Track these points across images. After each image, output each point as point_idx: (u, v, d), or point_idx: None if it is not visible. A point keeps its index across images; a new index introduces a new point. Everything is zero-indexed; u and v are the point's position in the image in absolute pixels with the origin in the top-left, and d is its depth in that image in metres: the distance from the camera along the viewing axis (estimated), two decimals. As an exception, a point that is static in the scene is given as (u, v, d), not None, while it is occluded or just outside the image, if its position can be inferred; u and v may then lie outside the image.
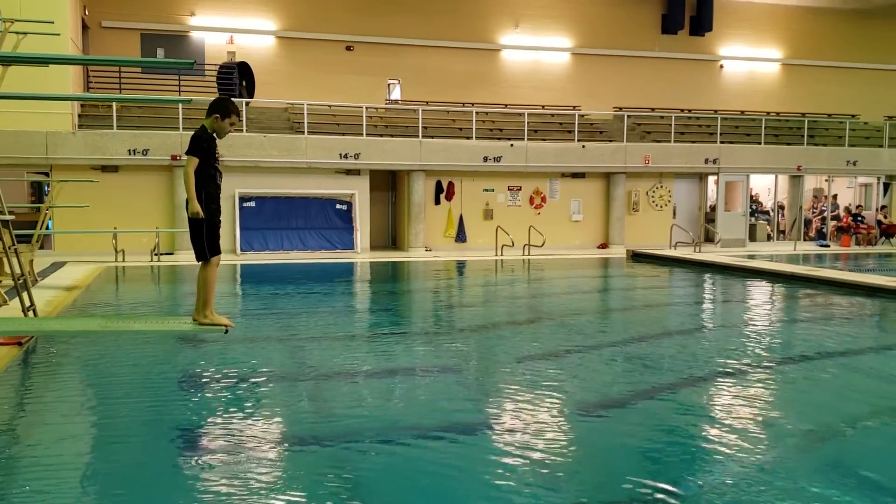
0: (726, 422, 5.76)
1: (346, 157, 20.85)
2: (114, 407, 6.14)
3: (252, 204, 20.46)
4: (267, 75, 23.76)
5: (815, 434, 5.53)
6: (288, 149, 20.50)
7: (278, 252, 20.28)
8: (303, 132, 20.87)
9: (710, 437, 5.40)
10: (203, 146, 5.77)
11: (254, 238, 20.34)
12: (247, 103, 21.27)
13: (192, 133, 5.85)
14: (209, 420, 5.78)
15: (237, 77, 22.42)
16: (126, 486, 4.46)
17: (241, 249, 19.96)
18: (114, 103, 19.99)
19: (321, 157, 20.72)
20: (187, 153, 5.76)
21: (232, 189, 20.16)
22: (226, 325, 5.98)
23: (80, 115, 20.26)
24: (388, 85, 25.41)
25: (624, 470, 4.79)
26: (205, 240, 5.91)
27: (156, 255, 18.42)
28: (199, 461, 4.83)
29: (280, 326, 10.12)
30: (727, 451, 5.05)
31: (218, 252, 5.97)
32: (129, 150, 19.51)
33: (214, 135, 5.97)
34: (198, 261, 6.04)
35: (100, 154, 19.33)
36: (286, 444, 5.17)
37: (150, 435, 5.41)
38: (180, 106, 20.15)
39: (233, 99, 6.07)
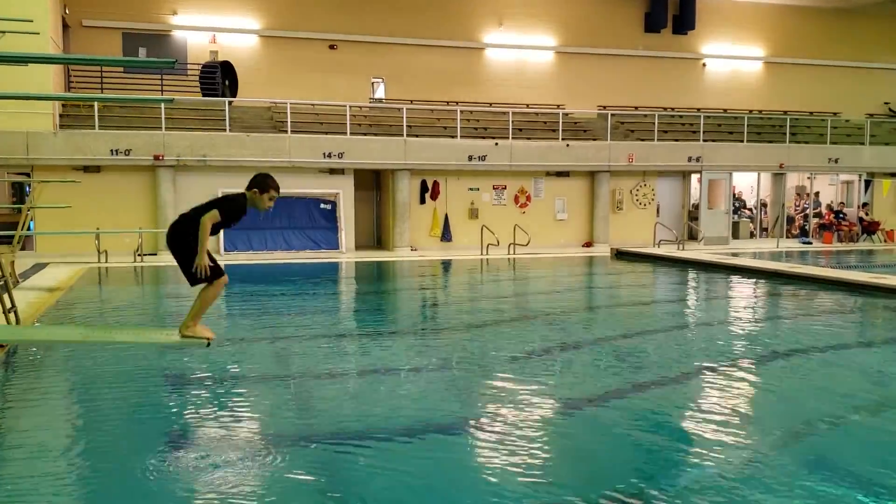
0: (711, 418, 5.78)
1: (330, 156, 20.78)
2: (97, 408, 6.09)
3: (236, 204, 20.31)
4: (250, 74, 23.65)
5: (799, 429, 5.56)
6: (271, 148, 20.41)
7: (263, 252, 20.19)
8: (286, 131, 20.78)
9: (696, 434, 5.43)
10: (233, 212, 5.56)
11: (238, 238, 20.23)
12: (229, 103, 21.16)
13: (233, 195, 5.64)
14: (193, 421, 5.74)
15: (220, 76, 22.31)
16: (109, 487, 4.42)
17: (226, 250, 19.84)
18: (95, 103, 19.82)
19: (305, 156, 20.64)
20: (214, 206, 5.45)
21: (215, 189, 19.98)
22: (208, 339, 5.69)
23: (61, 116, 20.07)
24: (372, 84, 25.36)
25: (610, 466, 4.80)
26: (192, 269, 5.44)
27: (139, 255, 18.28)
28: (184, 462, 4.79)
29: (265, 327, 10.07)
30: (712, 446, 5.08)
31: (222, 274, 5.63)
32: (112, 151, 19.35)
33: (250, 207, 5.71)
34: (194, 285, 5.58)
35: (81, 154, 19.16)
36: (272, 444, 5.13)
37: (134, 436, 5.37)
38: (163, 106, 20.00)
39: (267, 178, 5.78)
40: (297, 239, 20.82)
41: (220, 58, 23.33)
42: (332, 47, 24.96)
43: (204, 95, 22.24)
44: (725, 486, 4.43)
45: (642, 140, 24.24)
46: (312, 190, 20.94)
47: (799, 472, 4.70)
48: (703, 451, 5.01)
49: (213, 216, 5.34)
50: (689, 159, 24.02)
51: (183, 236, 5.42)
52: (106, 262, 17.61)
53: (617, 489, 4.37)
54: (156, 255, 19.40)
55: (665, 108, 26.68)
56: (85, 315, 10.82)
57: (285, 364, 7.78)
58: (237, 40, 24.32)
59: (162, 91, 22.47)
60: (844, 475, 4.62)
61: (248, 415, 5.87)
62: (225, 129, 20.38)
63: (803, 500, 4.22)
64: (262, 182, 5.60)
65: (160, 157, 19.52)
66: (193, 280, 5.44)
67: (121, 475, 4.61)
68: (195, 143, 19.86)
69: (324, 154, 20.74)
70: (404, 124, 21.83)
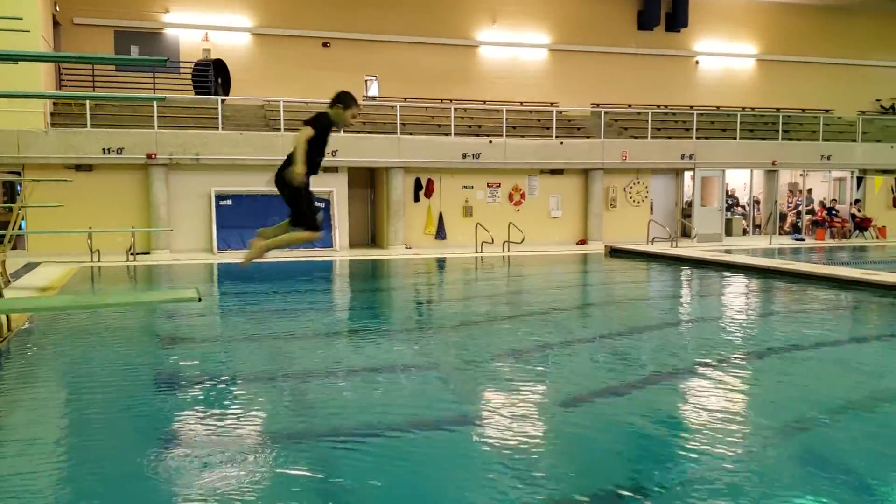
0: (704, 414, 5.81)
1: (323, 154, 20.71)
2: (89, 407, 6.06)
3: (229, 202, 20.29)
4: (243, 72, 23.59)
5: (793, 425, 5.58)
6: (265, 146, 20.35)
7: (256, 251, 20.09)
8: (279, 129, 20.73)
9: (690, 429, 5.45)
10: (323, 123, 5.71)
11: (231, 237, 20.17)
12: (222, 101, 21.11)
13: (317, 113, 5.82)
14: (186, 420, 5.72)
15: (213, 74, 22.24)
16: (102, 487, 4.40)
17: (219, 248, 19.79)
18: (87, 101, 19.74)
19: (298, 154, 20.57)
20: (306, 123, 5.64)
21: (208, 187, 20.01)
22: (244, 261, 6.06)
23: (52, 114, 19.97)
24: (366, 81, 25.31)
25: (605, 462, 4.81)
26: (305, 207, 5.84)
27: (132, 255, 18.22)
28: (178, 461, 4.77)
29: (260, 325, 10.04)
30: (707, 442, 5.09)
31: (319, 230, 5.92)
32: (104, 149, 19.27)
33: (335, 122, 5.88)
34: (295, 225, 5.91)
35: (73, 153, 19.08)
36: (267, 443, 5.12)
37: (126, 436, 5.35)
38: (155, 104, 19.93)
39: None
40: (290, 237, 20.73)
41: (213, 56, 23.27)
42: (325, 45, 24.92)
43: (196, 93, 22.18)
44: (719, 481, 4.45)
45: (636, 138, 24.26)
46: (306, 188, 20.85)
47: (792, 467, 4.73)
48: (698, 447, 5.01)
49: (306, 132, 5.50)
50: (682, 157, 24.06)
51: (287, 170, 5.65)
52: (98, 261, 17.54)
53: (611, 485, 4.38)
54: (149, 253, 19.34)
55: (658, 106, 26.71)
56: (76, 314, 10.77)
57: (280, 362, 7.75)
58: (230, 38, 24.26)
59: (154, 89, 22.41)
60: (838, 469, 4.65)
61: (242, 413, 5.84)
62: (218, 128, 20.32)
63: (797, 494, 4.23)
64: (346, 98, 5.79)
65: (153, 156, 19.45)
66: (296, 219, 5.80)
67: (112, 474, 4.59)
68: (188, 142, 19.80)
69: (317, 152, 20.67)
70: (398, 122, 21.80)
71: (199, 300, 6.04)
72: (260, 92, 23.10)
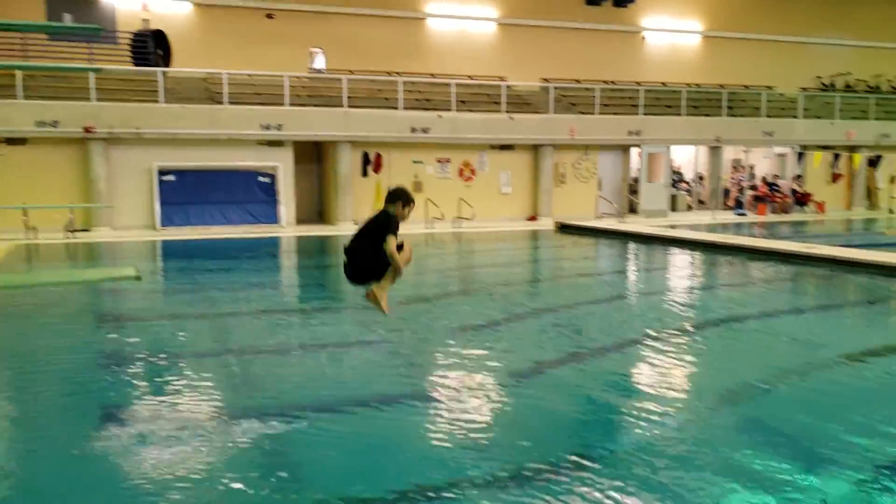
0: (651, 383, 5.92)
1: (268, 128, 20.36)
2: (29, 385, 5.87)
3: (172, 178, 19.79)
4: (184, 44, 22.92)
5: (734, 393, 5.68)
6: (208, 120, 19.88)
7: (200, 227, 19.72)
8: (223, 103, 20.26)
9: (636, 398, 5.54)
10: (396, 224, 6.01)
11: (174, 213, 19.71)
12: (163, 73, 20.52)
13: (379, 217, 6.08)
14: (135, 399, 5.59)
15: (152, 46, 21.58)
16: (43, 464, 4.26)
17: (162, 225, 19.33)
18: (17, 71, 18.97)
19: (242, 128, 20.18)
20: (387, 233, 5.90)
21: (150, 162, 19.48)
22: (384, 310, 6.21)
23: (-18, 85, 19.17)
24: (311, 54, 24.81)
25: (554, 433, 4.84)
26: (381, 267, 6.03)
27: (71, 232, 17.68)
28: (122, 438, 4.66)
29: (205, 303, 9.84)
30: (652, 410, 5.19)
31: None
32: (38, 122, 18.58)
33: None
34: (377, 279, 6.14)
35: (4, 125, 18.35)
36: (215, 419, 5.02)
37: (68, 413, 5.22)
38: (92, 75, 19.26)
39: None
40: (235, 213, 20.39)
41: (153, 27, 22.55)
42: (269, 16, 24.38)
43: (136, 65, 21.50)
44: (667, 447, 4.53)
45: (584, 114, 24.35)
46: (251, 163, 20.51)
47: (735, 432, 4.84)
48: (646, 415, 5.10)
49: (392, 242, 5.87)
50: (630, 133, 24.25)
51: (367, 272, 6.09)
52: (35, 238, 16.98)
53: (563, 453, 4.42)
54: (89, 231, 18.79)
55: (606, 82, 26.84)
56: (11, 293, 10.41)
57: (227, 340, 7.62)
58: (170, 8, 23.56)
59: (91, 60, 21.64)
60: (776, 435, 4.76)
61: (189, 390, 5.72)
62: (159, 101, 19.76)
63: (739, 458, 4.31)
64: (403, 194, 6.12)
65: (91, 130, 18.84)
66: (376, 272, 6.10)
67: (53, 452, 4.46)
68: (128, 115, 19.22)
69: (262, 126, 20.31)
70: (345, 95, 21.49)
71: (139, 278, 5.88)
72: (202, 64, 22.49)
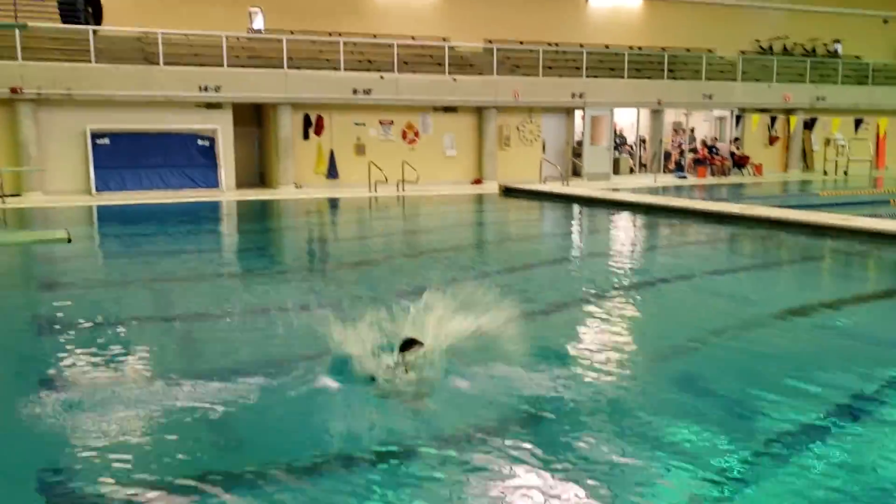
0: (592, 342, 6.00)
1: (206, 89, 19.83)
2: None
3: (106, 141, 19.18)
4: (116, 2, 22.08)
5: (672, 350, 5.79)
6: (142, 81, 19.26)
7: (138, 192, 19.20)
8: (158, 63, 19.63)
9: (578, 357, 5.61)
10: None
11: (110, 177, 19.14)
12: (94, 32, 19.76)
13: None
14: (69, 363, 5.44)
15: (82, 2, 20.73)
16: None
17: (97, 190, 18.76)
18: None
19: (179, 89, 19.61)
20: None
21: (83, 125, 18.82)
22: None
23: None
24: (250, 13, 24.14)
25: (497, 394, 4.85)
26: None
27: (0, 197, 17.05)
28: (60, 407, 4.53)
29: (143, 268, 9.60)
30: (594, 368, 5.27)
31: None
32: (-40, 82, 17.77)
33: None
34: None
35: (-76, 86, 17.52)
36: (153, 384, 4.92)
37: (6, 385, 5.03)
38: (17, 32, 18.41)
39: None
40: (174, 177, 19.90)
41: (83, -18, 21.65)
42: (206, -26, 23.61)
43: (64, 23, 20.65)
44: (607, 403, 4.64)
45: (527, 76, 24.30)
46: (188, 126, 19.98)
47: (672, 388, 4.96)
48: (587, 373, 5.17)
49: None
50: (573, 95, 24.32)
51: None
52: (-39, 203, 16.33)
53: (508, 412, 4.48)
54: (19, 195, 18.12)
55: (549, 44, 26.76)
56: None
57: (165, 305, 7.46)
58: (101, -36, 22.61)
59: (16, 17, 20.68)
60: (711, 390, 4.90)
61: (126, 356, 5.60)
62: (90, 61, 19.04)
63: (676, 413, 4.42)
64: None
65: (18, 90, 18.08)
66: None
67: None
68: (58, 76, 18.49)
69: (199, 87, 19.77)
70: (285, 56, 21.02)
71: (69, 241, 5.68)
72: (135, 23, 21.72)
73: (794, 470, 3.74)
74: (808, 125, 28.35)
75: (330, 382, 5.03)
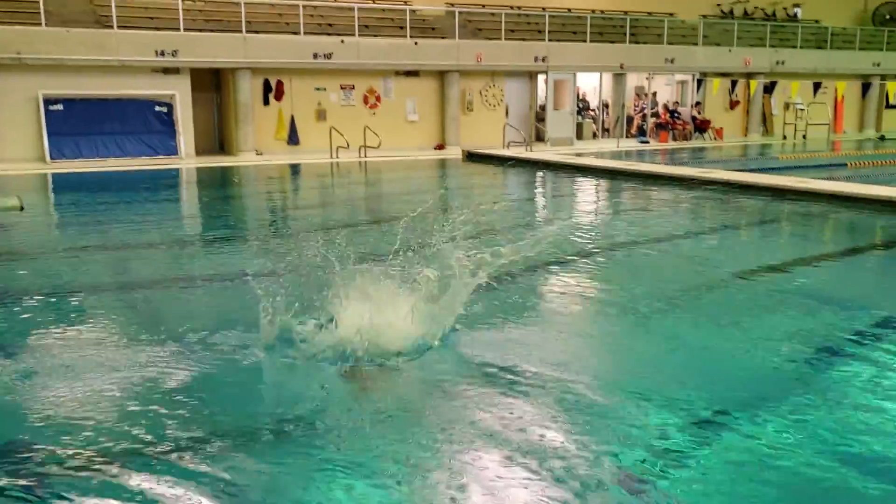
0: (559, 305, 6.01)
1: (162, 54, 19.37)
2: None
3: (60, 107, 18.68)
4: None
5: (636, 309, 5.85)
6: (96, 45, 18.73)
7: (94, 159, 18.78)
8: (112, 27, 19.10)
9: (544, 320, 5.66)
10: None
11: (65, 145, 18.69)
12: (44, -7, 19.14)
13: None
14: (24, 336, 5.31)
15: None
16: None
17: (52, 158, 18.31)
18: None
19: (135, 54, 19.13)
20: None
21: (35, 90, 18.29)
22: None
23: None
24: (207, -24, 23.60)
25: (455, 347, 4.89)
26: None
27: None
28: (16, 376, 4.46)
29: (101, 236, 9.42)
30: (561, 330, 5.32)
31: None
32: None
33: None
34: None
35: None
36: (110, 353, 4.84)
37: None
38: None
39: None
40: (131, 145, 19.49)
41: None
42: (159, -66, 22.94)
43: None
44: (573, 362, 4.73)
45: (490, 39, 24.13)
46: (145, 91, 19.53)
47: (637, 348, 5.07)
48: (555, 334, 5.25)
49: None
50: (536, 59, 24.21)
51: None
52: None
53: (475, 364, 4.56)
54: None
55: (512, 7, 26.55)
56: None
57: (123, 273, 7.34)
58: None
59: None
60: (679, 346, 5.02)
61: (84, 324, 5.51)
62: (41, 24, 18.46)
63: (639, 372, 4.50)
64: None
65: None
66: None
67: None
68: (7, 40, 17.89)
69: (156, 52, 19.30)
70: (243, 20, 20.57)
71: (22, 208, 5.53)
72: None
73: (746, 423, 3.81)
74: (768, 89, 28.63)
75: (279, 351, 5.00)
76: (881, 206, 10.67)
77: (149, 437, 3.70)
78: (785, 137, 27.76)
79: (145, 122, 19.65)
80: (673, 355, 4.93)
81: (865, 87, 30.46)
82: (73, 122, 18.80)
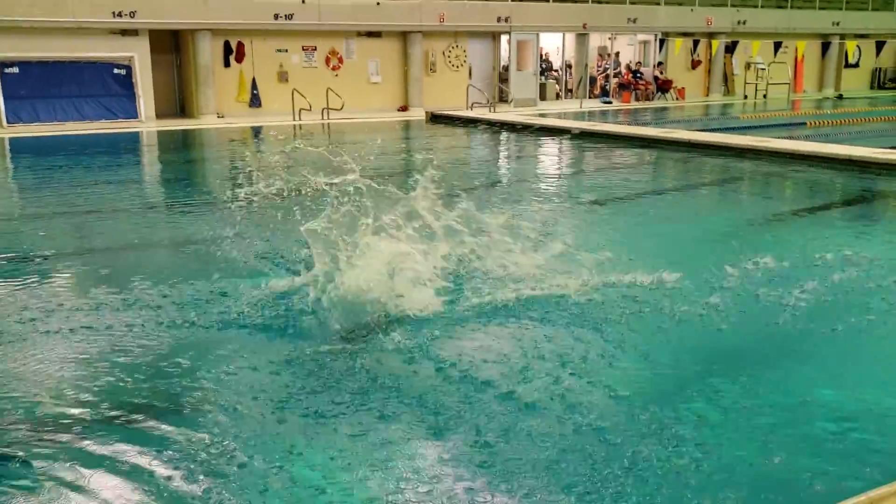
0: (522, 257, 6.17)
1: (119, 15, 18.94)
2: None
3: (15, 70, 18.24)
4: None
5: (607, 263, 6.00)
6: (52, 6, 18.24)
7: (52, 123, 18.43)
8: (67, -13, 18.61)
9: (518, 268, 5.77)
10: None
11: (21, 108, 18.30)
12: (-6, -48, 18.56)
13: None
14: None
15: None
16: None
17: (8, 122, 17.94)
18: None
19: (90, 15, 18.68)
20: None
21: (-13, 53, 17.86)
22: None
23: None
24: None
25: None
26: None
27: None
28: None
29: (61, 201, 9.33)
30: (536, 280, 5.47)
31: None
32: None
33: None
34: None
35: None
36: (78, 319, 4.87)
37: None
38: None
39: None
40: (90, 108, 19.14)
41: None
42: None
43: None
44: (545, 300, 5.00)
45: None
46: (103, 53, 19.13)
47: (605, 292, 5.24)
48: (514, 284, 5.38)
49: None
50: (499, 20, 24.10)
51: None
52: None
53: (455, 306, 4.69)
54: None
55: (475, -33, 26.32)
56: None
57: (88, 239, 7.30)
58: None
59: None
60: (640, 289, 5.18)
61: (46, 288, 5.49)
62: (-9, -16, 17.93)
63: (607, 309, 4.76)
64: None
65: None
66: None
67: None
68: (-44, 0, 17.39)
69: (113, 13, 18.86)
70: (202, -20, 20.17)
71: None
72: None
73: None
74: (730, 49, 28.84)
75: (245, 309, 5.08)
76: (840, 164, 10.95)
77: (115, 402, 3.78)
78: (746, 97, 28.07)
79: (104, 85, 19.29)
80: (637, 300, 5.09)
81: (825, 47, 30.85)
82: (30, 86, 18.41)
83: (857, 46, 31.75)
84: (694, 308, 4.90)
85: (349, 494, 3.01)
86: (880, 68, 32.96)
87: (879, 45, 31.24)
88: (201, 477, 3.09)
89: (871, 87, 32.72)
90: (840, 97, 28.76)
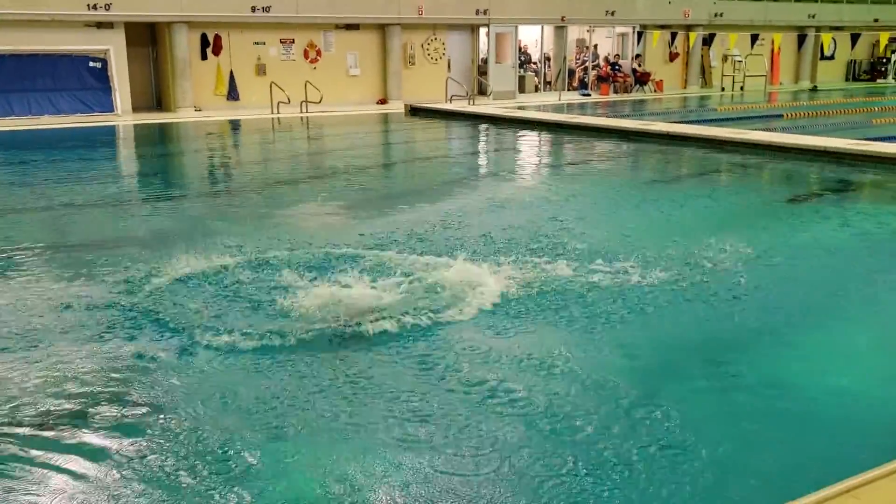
0: (499, 244, 6.18)
1: (95, 7, 18.72)
2: None
3: (-14, 63, 18.00)
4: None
5: (589, 246, 6.06)
6: (24, -2, 18.03)
7: (27, 117, 18.20)
8: (40, -21, 18.37)
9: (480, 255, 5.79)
10: None
11: (-6, 102, 18.07)
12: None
13: None
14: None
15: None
16: None
17: (-20, 116, 17.70)
18: None
19: (65, 7, 18.44)
20: None
21: (-40, 46, 17.59)
22: None
23: None
24: (138, -75, 22.78)
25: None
26: None
27: None
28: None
29: (37, 196, 9.23)
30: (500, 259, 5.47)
31: None
32: None
33: None
34: None
35: None
36: (56, 311, 4.87)
37: None
38: None
39: None
40: (65, 102, 18.92)
41: None
42: None
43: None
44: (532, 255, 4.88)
45: (432, -8, 23.87)
46: (78, 46, 18.90)
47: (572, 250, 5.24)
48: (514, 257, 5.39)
49: None
50: (478, 12, 24.08)
51: None
52: None
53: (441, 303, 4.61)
54: None
55: (453, -41, 26.27)
56: None
57: (64, 233, 7.25)
58: None
59: None
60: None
61: (22, 281, 5.45)
62: (-38, -25, 17.66)
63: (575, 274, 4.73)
64: None
65: None
66: None
67: None
68: (-74, -8, 17.12)
69: (88, 6, 18.63)
70: (178, -28, 19.98)
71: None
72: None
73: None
74: (707, 41, 29.01)
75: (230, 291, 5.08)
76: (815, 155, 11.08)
77: (88, 396, 3.77)
78: (723, 89, 28.25)
79: (79, 79, 19.08)
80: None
81: (801, 39, 31.11)
82: (4, 79, 18.16)
83: (833, 39, 32.04)
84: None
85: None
86: (855, 60, 33.30)
87: (854, 38, 31.53)
88: (181, 479, 3.10)
89: (847, 80, 33.06)
90: (814, 89, 29.04)
